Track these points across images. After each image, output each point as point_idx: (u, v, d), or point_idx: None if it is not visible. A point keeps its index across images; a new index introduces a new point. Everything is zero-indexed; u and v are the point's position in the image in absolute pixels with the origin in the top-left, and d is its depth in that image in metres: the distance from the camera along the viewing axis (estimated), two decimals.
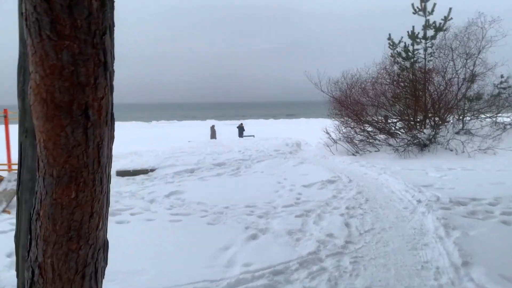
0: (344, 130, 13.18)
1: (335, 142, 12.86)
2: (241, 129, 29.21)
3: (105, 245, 1.46)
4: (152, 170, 10.97)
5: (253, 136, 25.84)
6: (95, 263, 1.39)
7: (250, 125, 48.46)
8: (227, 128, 36.27)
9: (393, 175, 8.43)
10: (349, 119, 13.40)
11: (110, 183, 1.44)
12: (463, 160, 10.47)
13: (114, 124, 1.36)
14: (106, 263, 1.50)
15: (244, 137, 22.74)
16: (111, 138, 1.35)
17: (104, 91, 1.23)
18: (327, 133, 13.37)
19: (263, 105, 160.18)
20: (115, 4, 1.26)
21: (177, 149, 14.14)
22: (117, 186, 9.04)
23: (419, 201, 6.16)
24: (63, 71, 1.14)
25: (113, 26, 1.26)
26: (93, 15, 1.15)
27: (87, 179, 1.26)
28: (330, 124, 14.20)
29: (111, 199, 7.33)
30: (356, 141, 12.80)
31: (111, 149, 1.37)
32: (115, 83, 1.34)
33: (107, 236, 1.54)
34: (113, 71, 1.30)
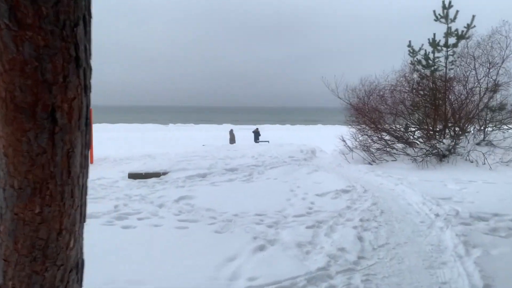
0: (360, 138, 12.88)
1: (351, 150, 12.56)
2: (256, 134, 29.07)
3: (79, 266, 1.29)
4: (164, 174, 10.87)
5: (268, 141, 25.66)
6: (65, 286, 1.22)
7: (265, 130, 48.37)
8: (242, 132, 36.12)
9: (410, 186, 8.13)
10: (366, 127, 13.09)
11: (86, 195, 1.27)
12: (484, 173, 10.07)
13: (90, 129, 1.19)
14: (80, 286, 1.33)
15: (258, 142, 22.55)
16: (86, 144, 1.18)
17: (76, 91, 1.07)
18: (343, 140, 13.09)
19: (280, 111, 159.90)
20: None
21: (190, 153, 14.05)
22: (128, 189, 8.97)
23: (437, 215, 5.87)
24: (25, 67, 0.98)
25: (90, 17, 1.10)
26: (62, 3, 0.98)
27: (54, 191, 1.10)
28: (346, 131, 13.90)
29: (120, 202, 7.26)
30: (373, 150, 12.48)
31: (86, 157, 1.20)
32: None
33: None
34: (90, 69, 1.13)
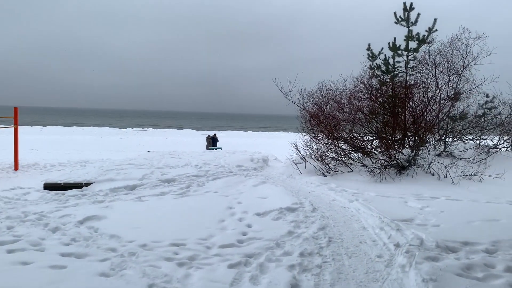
0: (314, 147, 11.76)
1: (304, 159, 11.42)
2: (214, 140, 27.57)
3: None
4: (87, 184, 9.29)
5: (220, 148, 24.27)
6: None
7: (226, 136, 47.02)
8: (202, 138, 34.52)
9: (366, 204, 7.01)
10: (321, 135, 12.01)
11: None
12: (446, 187, 9.17)
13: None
14: None
15: (210, 149, 21.11)
16: None
17: None
18: (296, 148, 11.93)
19: (246, 117, 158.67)
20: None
21: (127, 160, 12.46)
22: (32, 205, 7.38)
23: (397, 246, 4.73)
24: None
25: None
26: None
27: None
28: (301, 139, 12.77)
29: (4, 224, 5.66)
30: (328, 160, 11.40)
31: None
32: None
33: None
34: None
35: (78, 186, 9.22)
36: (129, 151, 24.26)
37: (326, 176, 10.52)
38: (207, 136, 28.18)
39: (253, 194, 8.15)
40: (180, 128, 71.24)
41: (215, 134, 28.42)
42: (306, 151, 11.86)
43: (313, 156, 11.49)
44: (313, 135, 12.21)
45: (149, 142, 35.14)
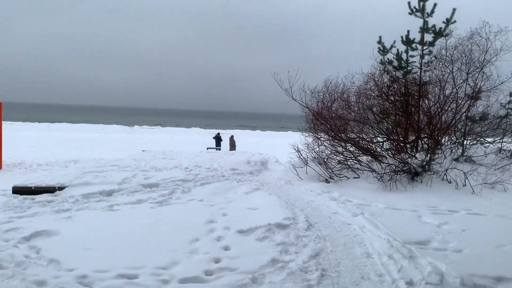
0: (317, 149, 10.62)
1: (305, 163, 10.30)
2: (218, 139, 26.56)
3: None
4: (60, 188, 8.35)
5: (219, 148, 23.29)
6: None
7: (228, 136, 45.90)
8: (208, 137, 33.46)
9: (373, 219, 5.92)
10: (325, 136, 10.89)
11: None
12: (466, 198, 8.02)
13: None
14: None
15: (208, 150, 20.09)
16: None
17: None
18: (298, 151, 10.82)
19: (258, 117, 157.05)
20: None
21: (112, 161, 11.49)
22: None
23: (410, 284, 3.64)
24: None
25: None
26: None
27: None
28: (305, 140, 11.64)
29: None
30: (333, 163, 10.29)
31: None
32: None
33: None
34: None
35: (50, 190, 8.27)
36: (132, 149, 23.38)
37: (329, 182, 9.41)
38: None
39: (243, 203, 7.10)
40: (188, 127, 70.45)
41: (218, 133, 27.38)
42: (308, 154, 10.74)
43: (315, 160, 10.37)
44: (317, 135, 11.08)
45: (155, 140, 34.27)
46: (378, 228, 5.45)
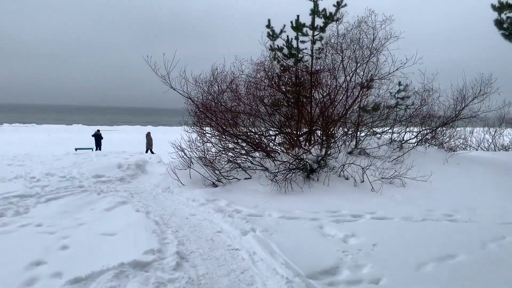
0: (203, 147, 9.08)
1: (189, 165, 8.70)
2: (98, 137, 23.40)
3: None
4: None
5: (91, 149, 20.57)
6: None
7: (117, 132, 42.42)
8: (87, 136, 29.76)
9: (266, 239, 4.60)
10: (212, 130, 9.40)
11: None
12: (367, 196, 7.22)
13: None
14: None
15: (77, 151, 17.30)
16: None
17: None
18: (181, 150, 9.16)
19: (153, 112, 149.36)
20: None
21: None
22: None
23: None
24: None
25: None
26: None
27: None
28: (188, 137, 9.97)
29: None
30: (222, 162, 8.87)
31: None
32: None
33: None
34: None
35: None
36: None
37: (216, 186, 7.96)
38: (146, 133, 23.15)
39: (97, 226, 5.26)
40: (69, 123, 63.86)
41: (98, 131, 24.14)
42: (192, 153, 9.15)
43: (201, 160, 8.83)
44: (202, 130, 9.52)
45: (23, 140, 29.58)
46: (273, 254, 4.11)
